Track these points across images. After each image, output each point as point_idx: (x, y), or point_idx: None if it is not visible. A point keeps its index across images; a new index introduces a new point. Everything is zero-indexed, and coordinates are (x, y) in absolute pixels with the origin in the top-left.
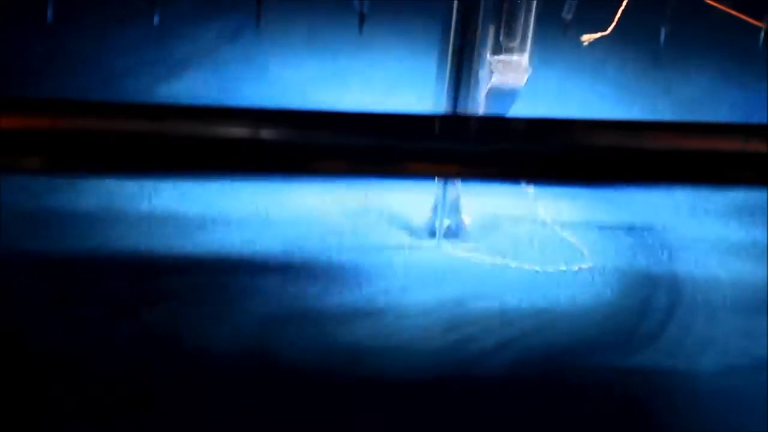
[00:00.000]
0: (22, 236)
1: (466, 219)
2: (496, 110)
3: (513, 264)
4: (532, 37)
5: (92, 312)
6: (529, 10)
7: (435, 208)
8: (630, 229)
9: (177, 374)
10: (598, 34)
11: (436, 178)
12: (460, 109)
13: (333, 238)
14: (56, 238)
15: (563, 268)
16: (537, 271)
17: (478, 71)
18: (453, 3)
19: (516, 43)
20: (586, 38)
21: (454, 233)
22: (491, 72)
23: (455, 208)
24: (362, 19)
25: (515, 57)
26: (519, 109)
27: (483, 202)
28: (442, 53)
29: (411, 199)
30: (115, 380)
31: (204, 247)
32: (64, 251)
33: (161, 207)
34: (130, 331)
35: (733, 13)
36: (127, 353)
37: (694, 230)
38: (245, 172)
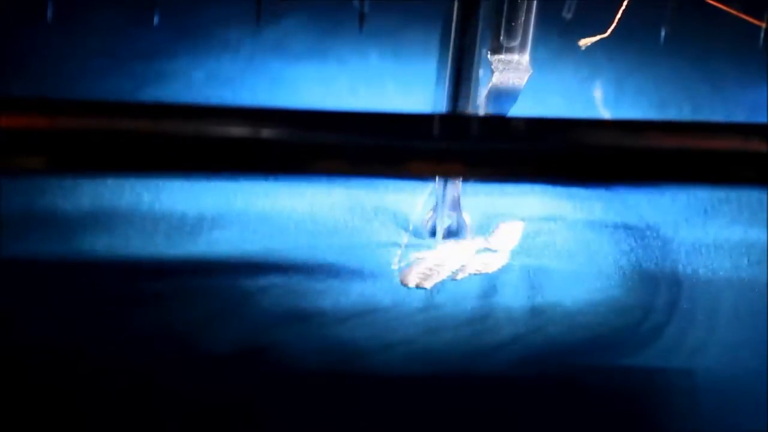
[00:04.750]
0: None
1: (467, 218)
2: (496, 110)
3: (515, 262)
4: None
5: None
6: (529, 10)
7: (435, 207)
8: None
9: (175, 375)
10: (597, 37)
11: (437, 178)
12: (460, 109)
13: (331, 237)
14: (52, 238)
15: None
16: (537, 271)
17: (478, 71)
18: (453, 3)
19: (516, 43)
20: (584, 42)
21: (454, 232)
22: (491, 72)
23: (456, 207)
24: (362, 19)
25: (516, 56)
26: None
27: (483, 202)
28: (442, 53)
29: (410, 199)
30: (112, 381)
31: (201, 248)
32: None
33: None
34: (128, 331)
35: (733, 12)
36: (125, 353)
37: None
38: (245, 172)
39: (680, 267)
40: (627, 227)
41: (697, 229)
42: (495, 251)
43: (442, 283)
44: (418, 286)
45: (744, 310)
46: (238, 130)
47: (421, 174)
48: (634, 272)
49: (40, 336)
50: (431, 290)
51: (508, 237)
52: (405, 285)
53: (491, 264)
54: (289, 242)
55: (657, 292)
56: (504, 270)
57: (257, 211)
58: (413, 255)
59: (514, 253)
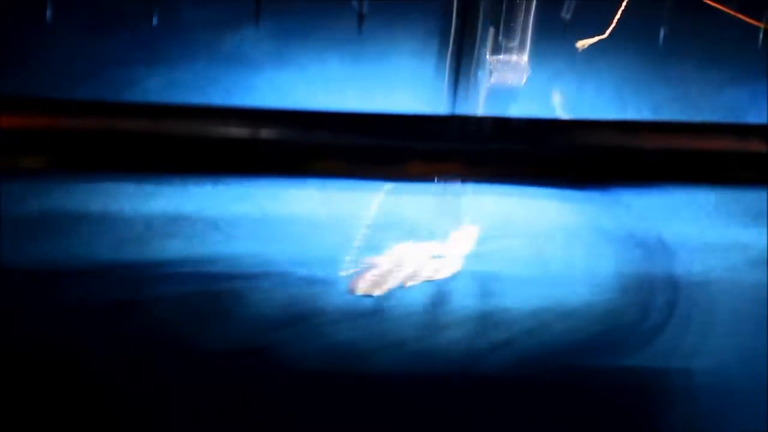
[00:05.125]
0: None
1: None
2: (495, 110)
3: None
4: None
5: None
6: (528, 10)
7: (436, 211)
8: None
9: (174, 376)
10: (596, 38)
11: (436, 179)
12: (460, 109)
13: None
14: (49, 240)
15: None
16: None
17: (477, 71)
18: (453, 3)
19: (515, 43)
20: (582, 44)
21: (456, 233)
22: (490, 72)
23: (457, 210)
24: (361, 19)
25: (514, 57)
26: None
27: (484, 204)
28: (441, 53)
29: (412, 202)
30: (110, 381)
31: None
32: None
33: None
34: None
35: (733, 13)
36: (124, 355)
37: None
38: (245, 172)
39: (680, 269)
40: (627, 231)
41: (696, 230)
42: (446, 257)
43: (392, 290)
44: (366, 294)
45: (744, 311)
46: (237, 131)
47: (421, 174)
48: (632, 276)
49: (39, 337)
50: (380, 298)
51: (461, 242)
52: (353, 293)
53: (442, 270)
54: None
55: (657, 294)
56: (455, 277)
57: (254, 214)
58: (365, 261)
59: (468, 259)
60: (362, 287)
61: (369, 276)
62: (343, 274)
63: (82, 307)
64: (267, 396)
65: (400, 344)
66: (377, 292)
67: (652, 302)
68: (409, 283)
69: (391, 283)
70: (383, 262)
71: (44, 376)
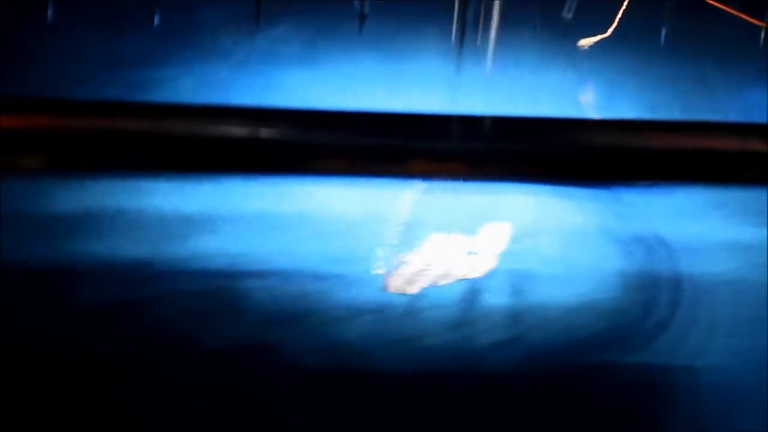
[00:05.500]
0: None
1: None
2: (497, 109)
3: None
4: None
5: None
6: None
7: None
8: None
9: (175, 374)
10: (598, 37)
11: (437, 179)
12: (461, 108)
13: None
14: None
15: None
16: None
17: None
18: (454, 2)
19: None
20: (584, 42)
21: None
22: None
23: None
24: (362, 19)
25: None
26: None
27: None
28: (443, 52)
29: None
30: (110, 381)
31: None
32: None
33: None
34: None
35: (735, 12)
36: (127, 354)
37: None
38: (245, 172)
39: (682, 267)
40: (627, 230)
41: (694, 229)
42: (481, 254)
43: (427, 288)
44: (401, 292)
45: (746, 311)
46: (238, 130)
47: (422, 174)
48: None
49: (39, 337)
50: (415, 296)
51: (494, 239)
52: (388, 290)
53: (478, 268)
54: (277, 245)
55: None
56: (490, 274)
57: (249, 214)
58: (397, 259)
59: (502, 257)
60: (396, 285)
61: (402, 274)
62: (375, 272)
63: (82, 307)
64: (268, 395)
65: (408, 342)
66: (411, 290)
67: (655, 300)
68: (443, 282)
69: (424, 281)
70: (416, 259)
71: (45, 376)
